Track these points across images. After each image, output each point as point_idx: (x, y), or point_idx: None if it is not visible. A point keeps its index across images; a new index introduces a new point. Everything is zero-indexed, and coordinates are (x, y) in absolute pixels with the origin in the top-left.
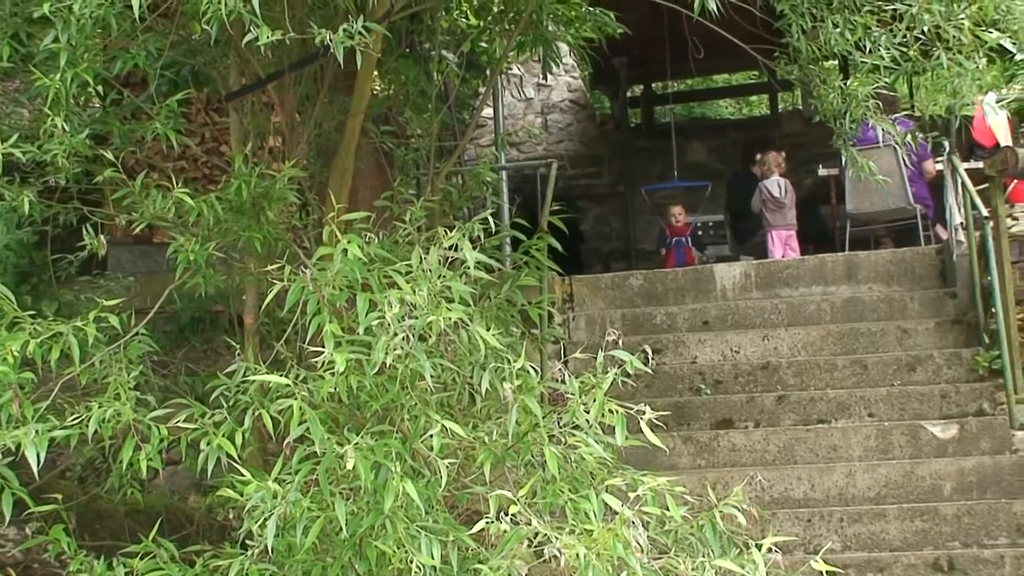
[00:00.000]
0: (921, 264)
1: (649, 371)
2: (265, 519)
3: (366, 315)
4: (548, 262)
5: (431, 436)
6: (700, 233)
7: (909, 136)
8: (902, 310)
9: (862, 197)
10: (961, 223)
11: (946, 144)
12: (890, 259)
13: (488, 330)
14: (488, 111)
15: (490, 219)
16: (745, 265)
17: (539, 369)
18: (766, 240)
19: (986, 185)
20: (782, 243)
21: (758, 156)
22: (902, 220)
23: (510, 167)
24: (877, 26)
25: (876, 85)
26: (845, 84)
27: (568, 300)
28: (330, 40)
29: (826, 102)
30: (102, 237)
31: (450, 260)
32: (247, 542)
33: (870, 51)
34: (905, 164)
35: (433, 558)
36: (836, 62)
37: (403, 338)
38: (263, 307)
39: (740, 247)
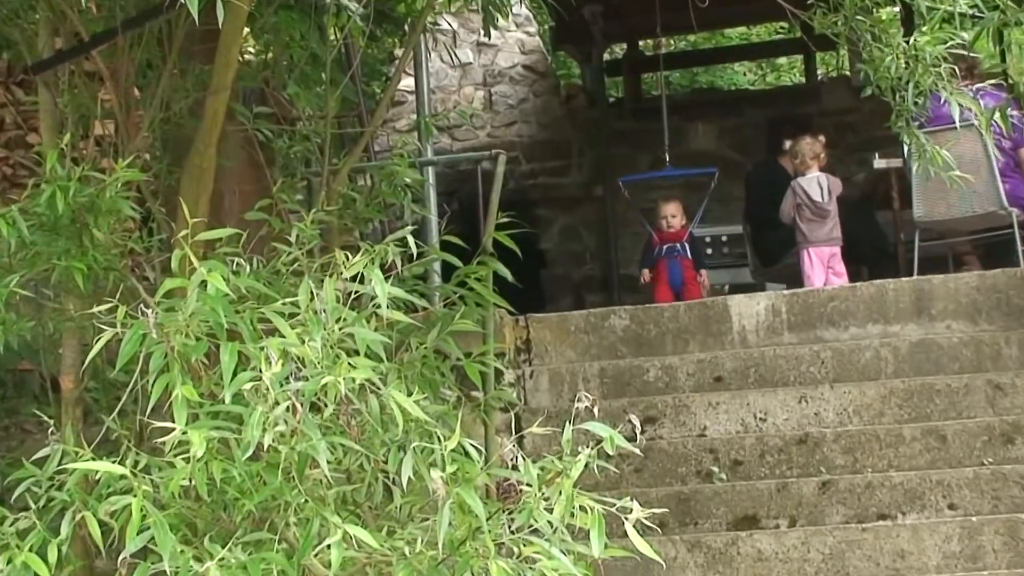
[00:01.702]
0: (1020, 293)
1: (638, 451)
2: None
3: (234, 375)
4: (494, 296)
5: (328, 547)
6: (710, 251)
7: (999, 113)
8: (994, 358)
9: (935, 199)
10: None
11: None
12: (976, 286)
13: (409, 395)
14: (408, 82)
15: (410, 237)
16: (773, 297)
17: (482, 449)
18: (800, 261)
19: None
20: (823, 265)
21: (789, 143)
22: (992, 230)
23: (440, 161)
24: None
25: (951, 43)
26: (908, 41)
27: (524, 349)
28: None
29: (881, 68)
30: None
31: (354, 296)
32: None
33: None
34: (995, 152)
35: None
36: (896, 9)
37: (288, 408)
38: (87, 364)
39: (765, 271)
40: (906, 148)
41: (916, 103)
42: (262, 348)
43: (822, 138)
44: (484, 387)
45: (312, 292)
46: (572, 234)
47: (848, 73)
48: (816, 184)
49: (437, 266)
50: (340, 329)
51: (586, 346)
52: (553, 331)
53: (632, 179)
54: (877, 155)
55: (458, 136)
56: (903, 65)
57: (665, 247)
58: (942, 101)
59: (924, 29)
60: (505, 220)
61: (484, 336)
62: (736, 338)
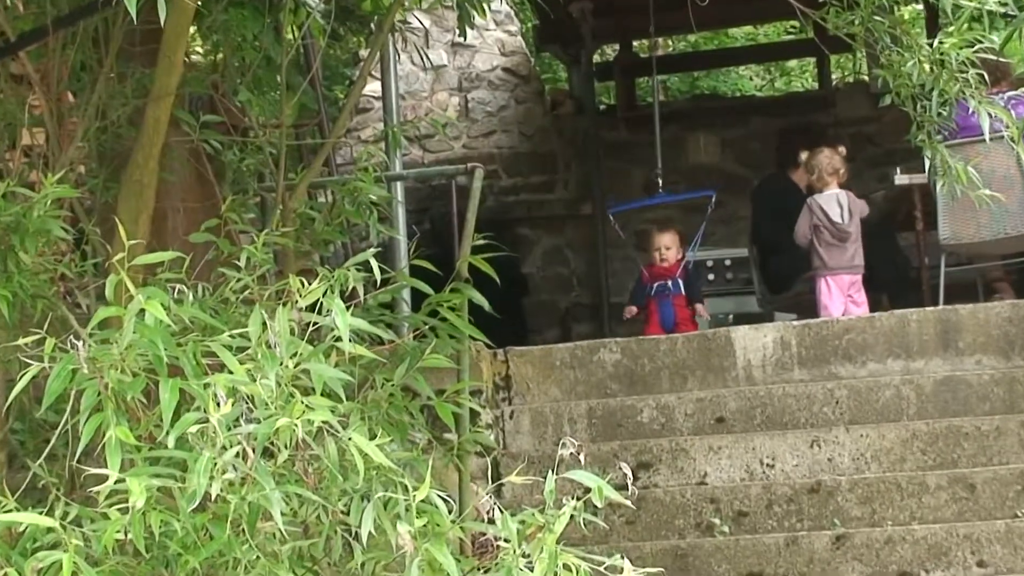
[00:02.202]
0: None
1: (630, 503)
2: None
3: (176, 415)
4: (470, 327)
5: None
6: (711, 277)
7: None
8: None
9: (963, 219)
10: None
11: None
12: (1009, 316)
13: (373, 438)
14: (375, 87)
15: (373, 261)
16: (782, 328)
17: (455, 499)
18: (817, 289)
19: None
20: (843, 293)
21: (803, 155)
22: None
23: (410, 176)
24: None
25: (980, 46)
26: (931, 44)
27: (503, 387)
28: None
29: (901, 73)
30: None
31: (311, 328)
32: None
33: None
34: None
35: None
36: (919, 7)
37: (237, 453)
38: (10, 402)
39: (774, 299)
40: (929, 163)
41: (940, 113)
42: (208, 386)
43: (842, 150)
44: (458, 429)
45: (264, 323)
46: (557, 257)
47: (867, 78)
48: (835, 202)
49: (406, 293)
50: (296, 365)
51: (572, 383)
52: (536, 366)
53: (622, 209)
54: (899, 170)
55: (430, 147)
56: (926, 70)
57: (656, 285)
58: (970, 111)
59: (950, 30)
60: (482, 241)
61: (458, 372)
62: (740, 374)
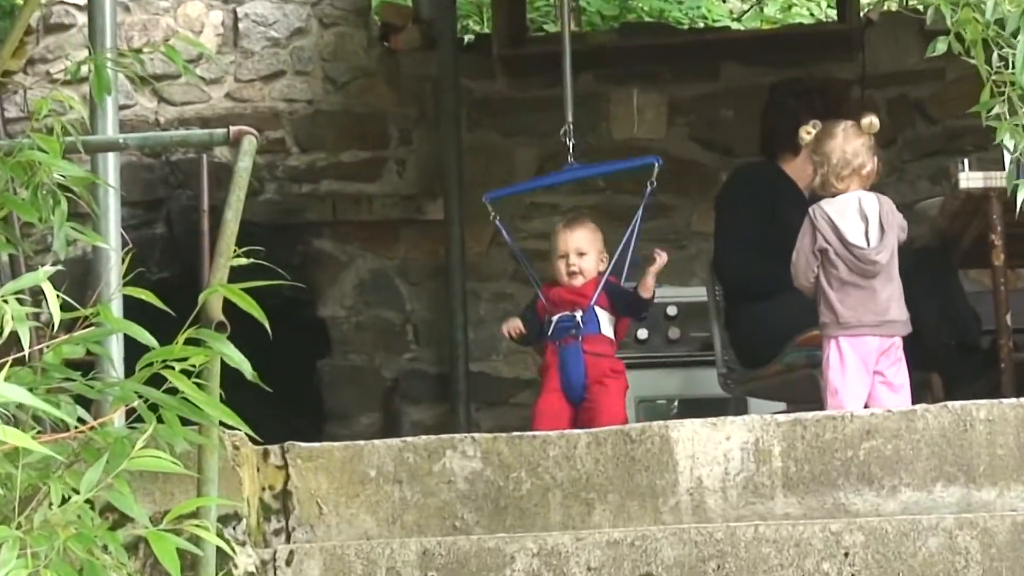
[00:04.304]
0: None
1: None
2: None
3: None
4: (221, 407)
5: None
6: (643, 334)
7: None
8: None
9: None
10: None
11: None
12: None
13: None
14: None
15: (51, 290)
16: (758, 426)
17: None
18: (824, 358)
19: None
20: (865, 369)
21: (806, 132)
22: None
23: (131, 144)
24: None
25: None
26: None
27: (278, 510)
28: None
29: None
30: None
31: None
32: None
33: None
34: None
35: None
36: None
37: None
38: None
39: (748, 375)
40: (1011, 156)
41: None
42: None
43: (874, 121)
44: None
45: None
46: (382, 292)
47: (919, 5)
48: (856, 213)
49: (115, 344)
50: None
51: (398, 508)
52: (336, 477)
53: (507, 193)
54: (966, 163)
55: (171, 97)
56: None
57: (557, 319)
58: None
59: None
60: (249, 260)
61: (198, 482)
62: (684, 503)
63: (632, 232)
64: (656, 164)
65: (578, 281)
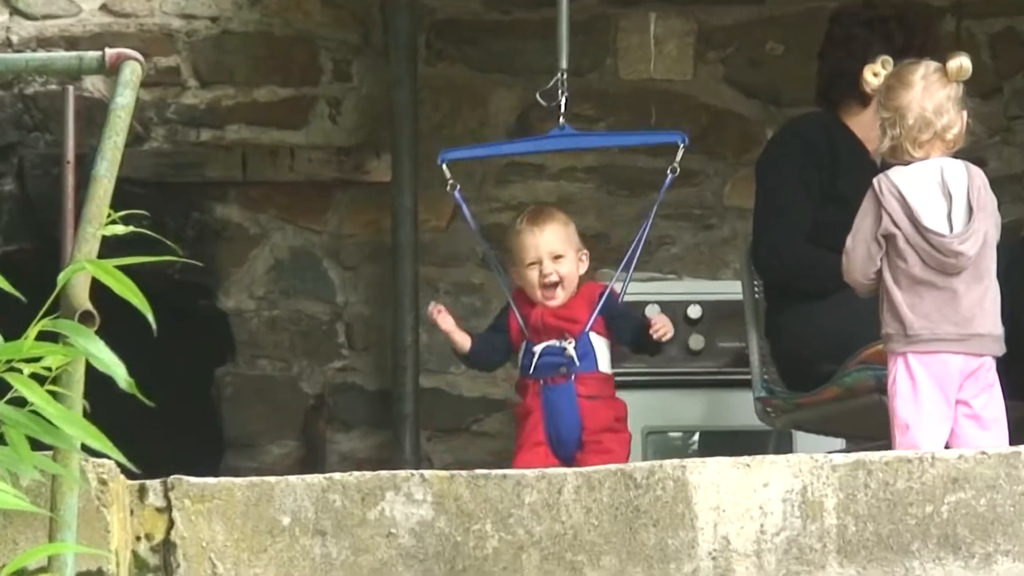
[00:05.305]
0: None
1: None
2: None
3: None
4: (84, 426)
5: None
6: (666, 340)
7: None
8: None
9: None
10: None
11: None
12: None
13: None
14: None
15: None
16: (806, 467)
17: None
18: (890, 381)
19: None
20: (945, 395)
21: (872, 74)
22: None
23: None
24: None
25: None
26: None
27: (159, 567)
28: None
29: None
30: None
31: None
32: None
33: None
34: None
35: None
36: None
37: None
38: None
39: (793, 401)
40: None
41: None
42: None
43: (965, 64)
44: None
45: None
46: (305, 277)
47: None
48: (936, 185)
49: None
50: None
51: (320, 568)
52: (236, 524)
53: (470, 155)
54: None
55: (28, 8)
56: None
57: (542, 350)
58: None
59: None
60: (129, 228)
61: (51, 526)
62: (706, 569)
63: (643, 233)
64: (681, 143)
65: (558, 295)
